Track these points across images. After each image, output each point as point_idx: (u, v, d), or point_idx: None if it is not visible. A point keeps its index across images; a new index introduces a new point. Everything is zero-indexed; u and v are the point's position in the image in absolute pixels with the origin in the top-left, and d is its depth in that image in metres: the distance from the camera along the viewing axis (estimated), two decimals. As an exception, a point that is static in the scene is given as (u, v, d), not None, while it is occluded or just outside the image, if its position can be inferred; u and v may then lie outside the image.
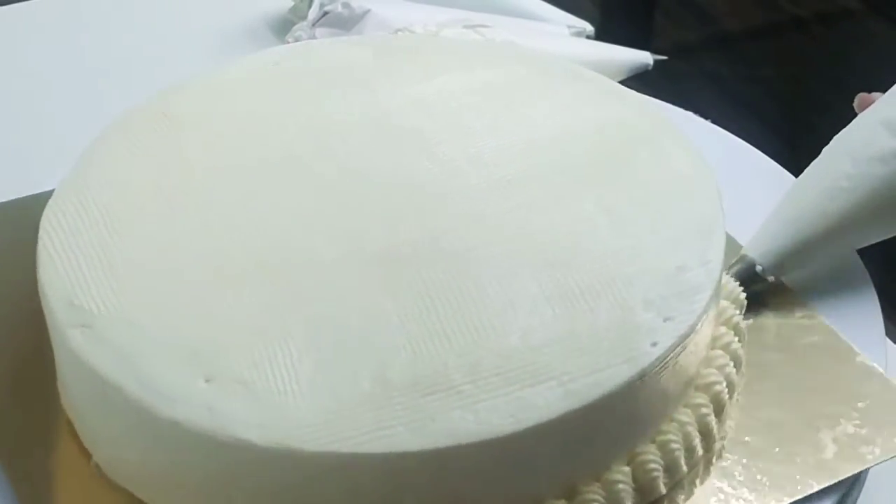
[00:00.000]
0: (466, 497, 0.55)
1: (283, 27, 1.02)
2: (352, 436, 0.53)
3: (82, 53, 1.00)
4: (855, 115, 0.73)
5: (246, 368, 0.56)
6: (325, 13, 0.98)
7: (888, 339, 0.68)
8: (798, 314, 0.68)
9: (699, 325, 0.59)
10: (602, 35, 1.06)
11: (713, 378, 0.62)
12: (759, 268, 0.69)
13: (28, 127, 0.91)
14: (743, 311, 0.66)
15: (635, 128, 0.70)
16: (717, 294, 0.62)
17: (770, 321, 0.68)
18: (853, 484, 0.61)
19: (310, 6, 0.99)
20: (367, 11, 0.98)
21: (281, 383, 0.56)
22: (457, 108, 0.71)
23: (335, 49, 0.80)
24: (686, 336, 0.58)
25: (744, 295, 0.67)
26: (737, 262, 0.70)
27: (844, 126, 0.73)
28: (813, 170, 0.72)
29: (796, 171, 0.75)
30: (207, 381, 0.56)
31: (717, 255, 0.62)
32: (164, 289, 0.60)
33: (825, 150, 0.71)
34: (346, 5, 0.98)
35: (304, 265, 0.61)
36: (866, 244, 0.71)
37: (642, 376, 0.56)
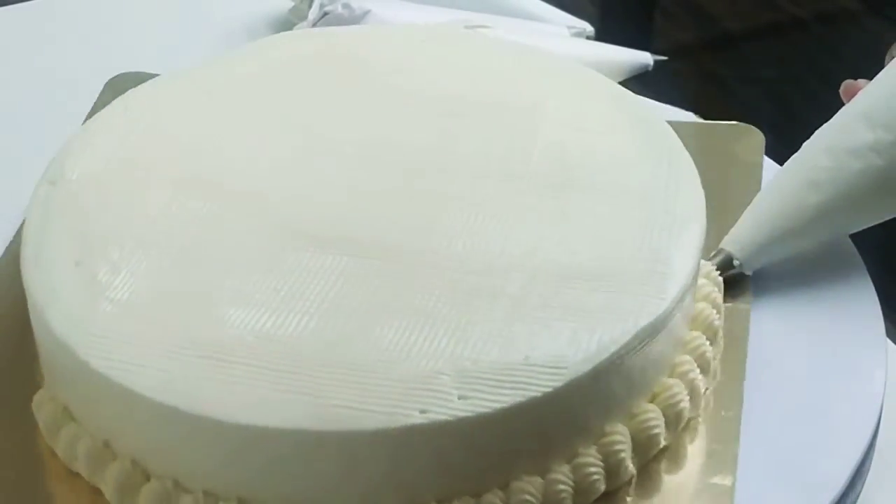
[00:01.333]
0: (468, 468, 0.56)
1: (283, 28, 1.02)
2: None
3: (82, 54, 1.00)
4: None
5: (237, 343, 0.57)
6: (326, 14, 0.98)
7: (888, 340, 0.68)
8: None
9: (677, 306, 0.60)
10: (602, 35, 1.06)
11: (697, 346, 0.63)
12: (736, 262, 0.70)
13: (28, 127, 0.91)
14: (721, 290, 0.67)
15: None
16: (693, 279, 0.63)
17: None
18: (853, 483, 0.61)
19: (310, 7, 0.99)
20: (368, 12, 0.98)
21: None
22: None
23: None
24: (665, 316, 0.59)
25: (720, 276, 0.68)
26: (715, 255, 0.70)
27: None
28: (792, 163, 0.72)
29: (796, 171, 0.75)
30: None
31: (695, 245, 0.63)
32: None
33: (805, 143, 0.71)
34: (346, 6, 0.98)
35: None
36: (842, 235, 0.72)
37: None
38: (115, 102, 0.74)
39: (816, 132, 0.71)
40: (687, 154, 0.69)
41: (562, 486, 0.57)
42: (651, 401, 0.61)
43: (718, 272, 0.68)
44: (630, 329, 0.58)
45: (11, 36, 1.03)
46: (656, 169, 0.67)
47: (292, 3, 1.03)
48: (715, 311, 0.65)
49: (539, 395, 0.55)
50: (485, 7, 1.01)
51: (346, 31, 0.86)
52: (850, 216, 0.71)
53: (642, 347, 0.58)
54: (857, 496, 0.62)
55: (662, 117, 0.73)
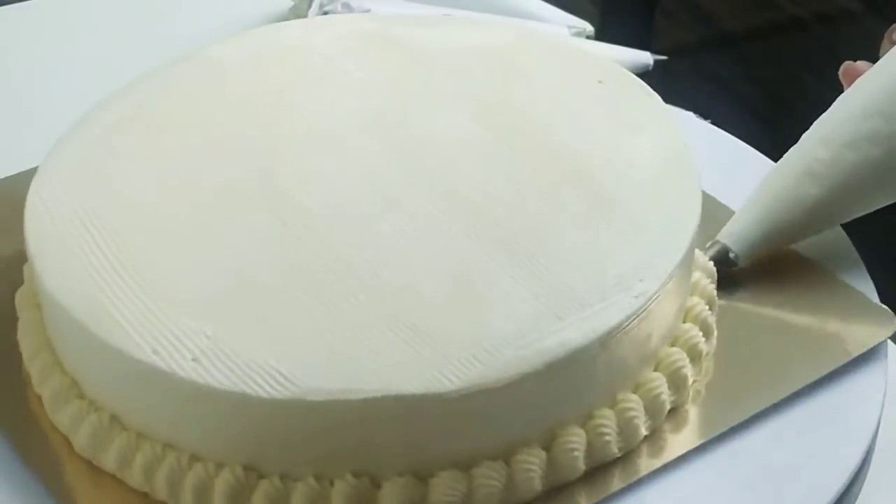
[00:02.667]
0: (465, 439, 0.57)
1: (283, 27, 1.02)
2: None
3: (81, 53, 1.00)
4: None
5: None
6: (325, 13, 0.98)
7: (888, 340, 0.68)
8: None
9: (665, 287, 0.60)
10: (602, 35, 1.06)
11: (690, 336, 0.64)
12: (731, 254, 0.70)
13: (28, 127, 0.91)
14: (714, 282, 0.67)
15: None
16: (687, 262, 0.63)
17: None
18: (852, 484, 0.61)
19: (309, 6, 1.00)
20: (367, 11, 0.98)
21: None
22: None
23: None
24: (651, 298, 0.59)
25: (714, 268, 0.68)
26: (710, 246, 0.70)
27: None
28: (790, 155, 0.72)
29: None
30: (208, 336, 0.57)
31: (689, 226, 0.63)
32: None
33: (804, 135, 0.71)
34: (345, 5, 0.98)
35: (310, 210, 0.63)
36: (835, 226, 0.72)
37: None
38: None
39: (814, 123, 0.71)
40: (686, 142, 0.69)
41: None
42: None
43: (716, 265, 0.68)
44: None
45: (9, 36, 1.03)
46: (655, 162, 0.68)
47: (292, 3, 1.03)
48: (707, 306, 0.66)
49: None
50: (485, 6, 1.01)
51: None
52: (847, 207, 0.70)
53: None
54: (857, 496, 0.62)
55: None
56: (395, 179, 0.65)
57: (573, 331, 0.57)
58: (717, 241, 0.70)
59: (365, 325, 0.57)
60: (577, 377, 0.58)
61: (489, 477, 0.57)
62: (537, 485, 0.58)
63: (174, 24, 1.05)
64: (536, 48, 0.77)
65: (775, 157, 0.78)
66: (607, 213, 0.63)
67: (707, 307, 0.66)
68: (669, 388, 0.62)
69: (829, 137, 0.69)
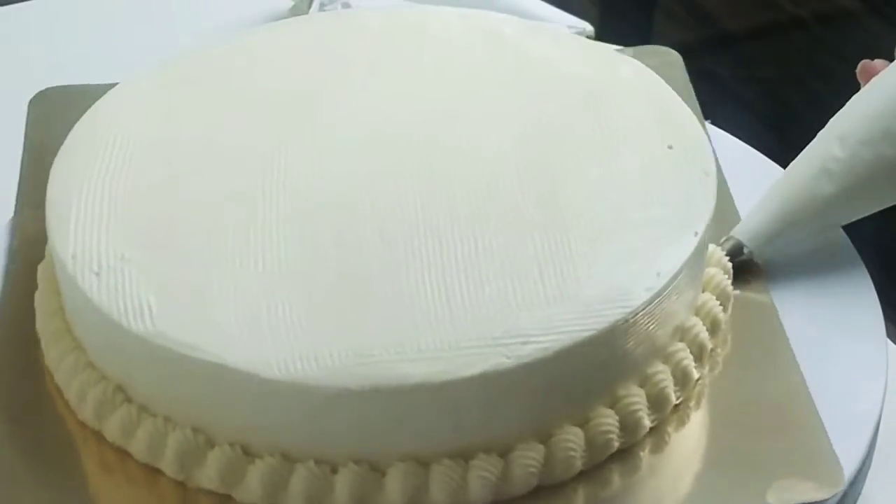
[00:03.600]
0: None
1: (283, 27, 1.02)
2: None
3: (81, 54, 1.00)
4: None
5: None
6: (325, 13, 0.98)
7: (889, 341, 0.68)
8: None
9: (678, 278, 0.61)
10: (602, 35, 1.06)
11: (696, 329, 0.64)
12: (746, 249, 0.70)
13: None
14: (731, 278, 0.68)
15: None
16: (700, 256, 0.64)
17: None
18: (853, 483, 0.61)
19: (310, 6, 1.00)
20: (368, 11, 0.98)
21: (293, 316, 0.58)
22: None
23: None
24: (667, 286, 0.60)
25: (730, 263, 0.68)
26: (725, 241, 0.70)
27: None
28: (805, 153, 0.72)
29: (796, 171, 0.75)
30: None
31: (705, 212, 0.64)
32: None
33: (819, 133, 0.72)
34: (345, 5, 0.98)
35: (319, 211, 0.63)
36: (848, 222, 0.72)
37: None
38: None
39: (830, 121, 0.71)
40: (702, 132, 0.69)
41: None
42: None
43: (728, 259, 0.69)
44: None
45: (10, 36, 1.03)
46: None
47: (292, 3, 1.03)
48: (718, 302, 0.66)
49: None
50: (484, 6, 1.01)
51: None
52: (862, 204, 0.71)
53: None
54: (858, 496, 0.62)
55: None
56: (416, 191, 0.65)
57: (588, 318, 0.58)
58: (732, 237, 0.70)
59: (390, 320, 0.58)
60: (579, 369, 0.58)
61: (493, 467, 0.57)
62: (578, 464, 0.59)
63: (174, 23, 1.05)
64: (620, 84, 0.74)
65: (776, 157, 0.78)
66: (619, 207, 0.64)
67: (718, 303, 0.66)
68: (675, 382, 0.62)
69: (845, 135, 0.70)
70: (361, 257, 0.61)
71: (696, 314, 0.65)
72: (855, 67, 0.74)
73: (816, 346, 0.67)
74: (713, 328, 0.65)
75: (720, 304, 0.66)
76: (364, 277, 0.60)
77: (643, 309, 0.59)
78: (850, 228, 0.73)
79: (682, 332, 0.64)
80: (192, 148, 0.67)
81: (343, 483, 0.57)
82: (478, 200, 0.64)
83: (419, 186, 0.65)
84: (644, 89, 0.72)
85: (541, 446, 0.58)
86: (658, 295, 0.60)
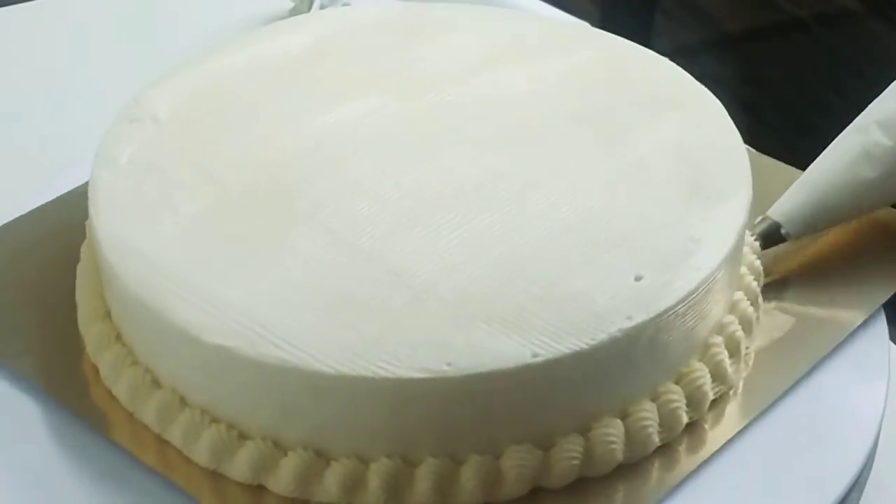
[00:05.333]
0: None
1: (283, 28, 1.02)
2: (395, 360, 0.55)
3: (81, 55, 1.00)
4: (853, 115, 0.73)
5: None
6: (326, 14, 0.98)
7: (891, 343, 0.68)
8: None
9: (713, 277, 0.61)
10: (602, 36, 1.05)
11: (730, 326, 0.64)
12: (783, 230, 0.70)
13: (29, 127, 0.91)
14: (760, 281, 0.68)
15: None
16: (738, 251, 0.64)
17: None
18: (854, 485, 0.61)
19: (309, 6, 0.99)
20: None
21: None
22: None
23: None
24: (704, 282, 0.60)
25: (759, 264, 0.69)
26: (760, 222, 0.70)
27: (845, 127, 0.73)
28: (846, 136, 0.72)
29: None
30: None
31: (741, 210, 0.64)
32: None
33: (858, 118, 0.72)
34: (346, 5, 0.98)
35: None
36: (885, 206, 0.73)
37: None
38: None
39: (870, 106, 0.72)
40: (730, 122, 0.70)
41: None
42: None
43: (761, 241, 0.69)
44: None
45: (9, 37, 1.03)
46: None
47: (292, 4, 1.03)
48: (749, 302, 0.66)
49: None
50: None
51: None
52: None
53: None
54: (859, 498, 0.62)
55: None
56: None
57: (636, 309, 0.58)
58: (768, 217, 0.71)
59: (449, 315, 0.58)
60: (621, 362, 0.59)
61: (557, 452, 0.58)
62: (619, 456, 0.59)
63: (174, 24, 1.05)
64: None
65: (776, 157, 0.78)
66: (664, 203, 0.64)
67: (749, 303, 0.66)
68: (712, 378, 0.62)
69: (888, 121, 0.70)
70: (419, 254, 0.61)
71: (731, 312, 0.65)
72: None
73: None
74: (745, 325, 0.65)
75: (750, 303, 0.66)
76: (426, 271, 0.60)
77: (688, 299, 0.59)
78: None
79: (720, 328, 0.64)
80: (237, 149, 0.67)
81: (423, 475, 0.57)
82: (537, 185, 0.65)
83: (473, 180, 0.65)
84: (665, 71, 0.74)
85: (581, 438, 0.58)
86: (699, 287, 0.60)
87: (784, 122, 1.60)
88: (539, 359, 0.56)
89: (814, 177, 0.72)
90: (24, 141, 0.89)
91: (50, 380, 0.64)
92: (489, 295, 0.58)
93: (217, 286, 0.59)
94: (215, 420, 0.59)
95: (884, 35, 1.93)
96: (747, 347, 0.65)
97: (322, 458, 0.57)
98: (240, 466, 0.58)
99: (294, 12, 1.03)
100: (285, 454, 0.58)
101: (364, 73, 0.73)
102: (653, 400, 0.60)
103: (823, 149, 0.73)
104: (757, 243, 0.69)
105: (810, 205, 0.71)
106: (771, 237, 0.70)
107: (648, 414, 0.60)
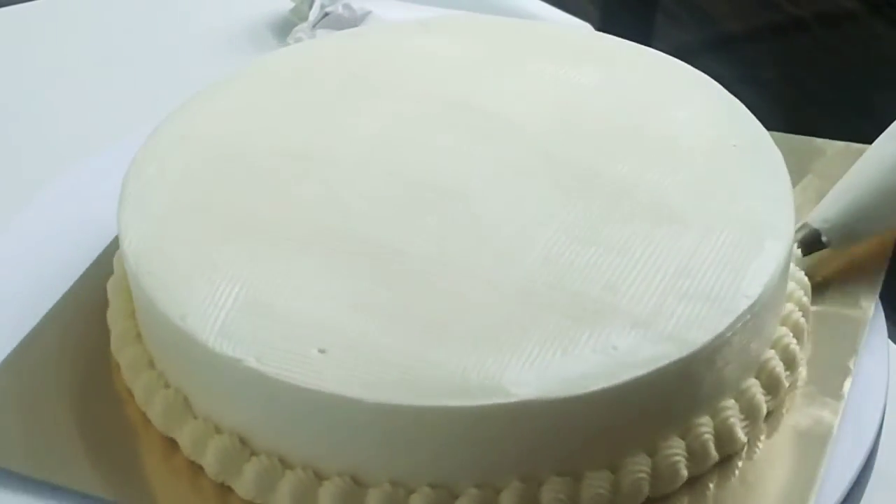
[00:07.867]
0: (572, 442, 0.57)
1: (283, 28, 1.02)
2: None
3: (83, 56, 1.00)
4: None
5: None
6: (326, 14, 0.98)
7: (890, 342, 0.68)
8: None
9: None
10: (603, 36, 1.06)
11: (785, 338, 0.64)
12: (824, 238, 0.69)
13: (28, 127, 0.91)
14: (809, 295, 0.67)
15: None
16: (787, 268, 0.63)
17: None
18: (855, 485, 0.61)
19: (311, 7, 0.99)
20: (369, 13, 0.98)
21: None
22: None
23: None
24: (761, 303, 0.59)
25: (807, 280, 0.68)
26: (799, 230, 0.69)
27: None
28: (883, 143, 0.71)
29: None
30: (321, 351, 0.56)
31: (788, 228, 0.63)
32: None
33: (893, 125, 0.71)
34: (346, 6, 0.98)
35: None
36: None
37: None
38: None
39: None
40: (772, 142, 0.69)
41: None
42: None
43: (802, 249, 0.68)
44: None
45: (9, 37, 1.03)
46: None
47: (293, 4, 1.03)
48: (800, 312, 0.66)
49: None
50: (485, 7, 1.01)
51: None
52: None
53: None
54: (860, 497, 0.62)
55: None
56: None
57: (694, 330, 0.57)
58: (807, 225, 0.69)
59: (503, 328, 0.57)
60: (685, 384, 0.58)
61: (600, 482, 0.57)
62: (645, 490, 0.58)
63: (174, 24, 1.06)
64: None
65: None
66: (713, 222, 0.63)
67: (801, 313, 0.65)
68: (766, 391, 0.62)
69: None
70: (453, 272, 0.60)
71: (783, 324, 0.65)
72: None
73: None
74: (798, 336, 0.65)
75: (802, 315, 0.66)
76: (458, 294, 0.59)
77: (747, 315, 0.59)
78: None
79: (772, 342, 0.63)
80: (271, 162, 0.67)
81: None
82: (582, 202, 0.64)
83: (517, 195, 0.65)
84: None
85: (648, 458, 0.58)
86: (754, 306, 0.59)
87: (785, 123, 1.60)
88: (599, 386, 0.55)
89: (852, 183, 0.70)
90: (24, 141, 0.89)
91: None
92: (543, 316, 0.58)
93: (256, 313, 0.58)
94: (255, 453, 0.58)
95: (884, 35, 1.93)
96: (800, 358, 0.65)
97: (361, 486, 0.57)
98: (282, 497, 0.58)
99: (295, 12, 1.03)
100: (321, 483, 0.57)
101: (370, 80, 0.73)
102: (712, 416, 0.60)
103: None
104: (798, 251, 0.68)
105: (850, 212, 0.69)
106: (811, 245, 0.69)
107: (706, 428, 0.60)
